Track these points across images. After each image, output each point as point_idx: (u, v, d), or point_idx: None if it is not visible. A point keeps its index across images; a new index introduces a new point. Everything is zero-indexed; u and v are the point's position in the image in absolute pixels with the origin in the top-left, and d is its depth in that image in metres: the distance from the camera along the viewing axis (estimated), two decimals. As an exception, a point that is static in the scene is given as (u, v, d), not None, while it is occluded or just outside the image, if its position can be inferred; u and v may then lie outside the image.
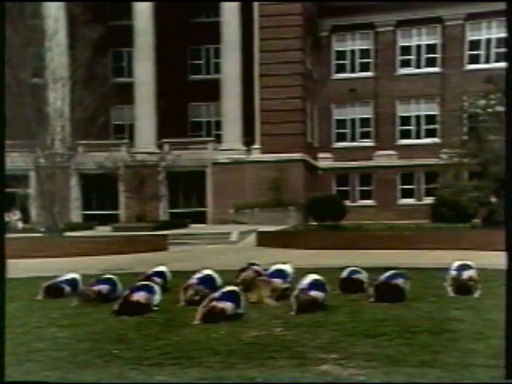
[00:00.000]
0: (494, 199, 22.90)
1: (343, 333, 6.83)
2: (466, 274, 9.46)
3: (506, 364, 3.97)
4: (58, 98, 25.08)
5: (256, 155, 32.68)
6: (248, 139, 32.96)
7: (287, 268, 10.18)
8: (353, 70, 37.34)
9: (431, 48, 36.44)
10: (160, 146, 32.91)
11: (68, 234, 24.28)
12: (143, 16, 32.93)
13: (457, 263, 9.95)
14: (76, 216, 31.46)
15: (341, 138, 37.46)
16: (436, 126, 35.42)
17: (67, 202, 26.42)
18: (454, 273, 9.64)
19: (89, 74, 25.26)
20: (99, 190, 32.93)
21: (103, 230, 27.42)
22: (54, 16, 28.41)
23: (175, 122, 34.89)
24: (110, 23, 36.20)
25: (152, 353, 6.13)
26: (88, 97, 24.79)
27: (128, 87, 33.32)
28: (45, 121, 24.82)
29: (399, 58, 36.71)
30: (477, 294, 9.13)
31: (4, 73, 4.73)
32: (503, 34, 35.22)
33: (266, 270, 10.35)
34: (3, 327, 4.22)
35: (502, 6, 32.77)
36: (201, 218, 31.75)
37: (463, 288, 9.23)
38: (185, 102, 36.44)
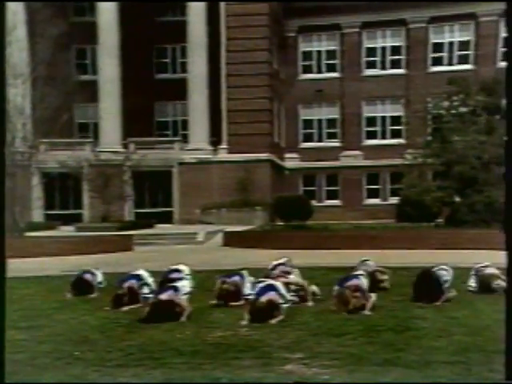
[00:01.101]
0: (457, 199, 23.31)
1: (308, 332, 6.84)
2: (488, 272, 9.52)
3: (506, 364, 4.01)
4: (18, 95, 24.50)
5: (223, 155, 32.57)
6: (215, 139, 32.83)
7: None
8: (319, 71, 37.57)
9: (396, 50, 36.94)
10: (125, 146, 32.51)
11: (29, 234, 23.77)
12: (107, 13, 32.41)
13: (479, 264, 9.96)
14: (38, 216, 30.82)
15: (308, 138, 37.64)
16: (401, 127, 35.93)
17: (28, 201, 25.86)
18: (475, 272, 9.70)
19: (51, 71, 24.71)
20: (62, 189, 32.34)
21: (66, 230, 26.95)
22: (13, 10, 27.71)
23: (141, 121, 34.51)
24: (73, 19, 35.61)
25: (115, 354, 6.02)
26: (50, 94, 24.26)
27: (92, 85, 32.78)
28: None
29: (365, 59, 37.11)
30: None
31: (5, 72, 4.59)
32: (465, 38, 36.06)
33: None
34: (3, 327, 4.14)
35: (464, 9, 33.25)
36: (167, 218, 31.49)
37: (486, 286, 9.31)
38: (151, 101, 36.08)
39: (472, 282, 9.69)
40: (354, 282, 8.24)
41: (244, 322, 7.31)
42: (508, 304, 3.96)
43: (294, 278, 9.04)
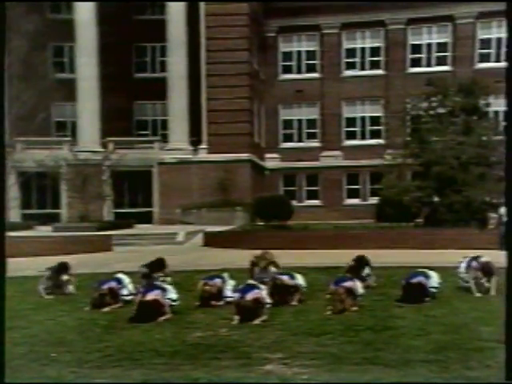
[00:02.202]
0: (436, 199, 23.49)
1: (288, 332, 6.84)
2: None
3: (506, 364, 4.03)
4: (-8, 92, 24.08)
5: (203, 155, 32.43)
6: (195, 139, 32.67)
7: None
8: (299, 71, 37.64)
9: (375, 51, 37.12)
10: (104, 145, 32.20)
11: (6, 233, 23.41)
12: (84, 11, 31.93)
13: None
14: (15, 215, 30.36)
15: (288, 138, 37.68)
16: (380, 127, 36.15)
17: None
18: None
19: (27, 69, 24.28)
20: (40, 188, 31.89)
21: (44, 230, 26.60)
22: None
23: (120, 120, 34.17)
24: (49, 16, 35.15)
25: (93, 355, 5.96)
26: (26, 92, 23.86)
27: (70, 83, 32.32)
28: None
29: (344, 59, 37.26)
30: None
31: (4, 73, 4.50)
32: (443, 39, 36.44)
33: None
34: (3, 327, 4.07)
35: (441, 11, 33.52)
36: (147, 219, 31.24)
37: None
38: (130, 100, 35.75)
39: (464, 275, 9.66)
40: (348, 283, 8.43)
41: (234, 322, 7.31)
42: (508, 304, 3.97)
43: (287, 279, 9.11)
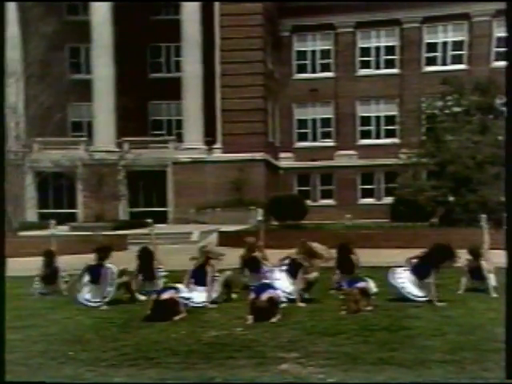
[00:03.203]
0: (451, 198, 23.33)
1: (303, 332, 6.84)
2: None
3: (506, 364, 4.02)
4: (11, 94, 24.39)
5: (217, 155, 32.50)
6: (209, 139, 32.76)
7: None
8: (314, 71, 37.57)
9: (390, 50, 36.94)
10: (119, 145, 32.41)
11: (23, 233, 23.68)
12: (100, 12, 32.21)
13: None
14: (31, 215, 30.69)
15: (302, 137, 37.62)
16: (395, 127, 35.95)
17: (22, 200, 25.70)
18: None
19: (44, 70, 24.50)
20: (56, 188, 32.17)
21: (60, 230, 26.74)
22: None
23: (135, 120, 34.36)
24: (66, 18, 35.48)
25: (109, 354, 6.01)
26: (43, 93, 24.07)
27: (86, 84, 32.61)
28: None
29: (359, 58, 37.12)
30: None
31: (5, 72, 4.57)
32: (459, 38, 36.16)
33: None
34: (3, 327, 4.14)
35: (457, 9, 33.13)
36: (162, 218, 31.32)
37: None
38: (145, 100, 35.96)
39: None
40: (362, 284, 8.44)
41: (248, 322, 7.34)
42: (508, 304, 3.95)
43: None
